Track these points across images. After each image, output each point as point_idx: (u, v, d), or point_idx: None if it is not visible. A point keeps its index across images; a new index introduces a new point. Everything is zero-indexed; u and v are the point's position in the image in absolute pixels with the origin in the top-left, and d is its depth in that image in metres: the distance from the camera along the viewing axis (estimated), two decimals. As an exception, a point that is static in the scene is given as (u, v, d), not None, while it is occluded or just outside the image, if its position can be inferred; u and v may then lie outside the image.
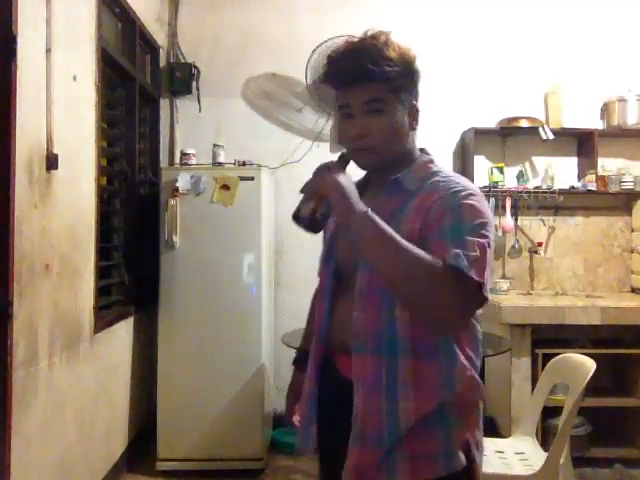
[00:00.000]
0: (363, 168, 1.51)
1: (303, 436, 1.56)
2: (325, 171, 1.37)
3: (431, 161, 1.50)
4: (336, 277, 1.53)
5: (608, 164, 4.13)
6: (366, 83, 1.39)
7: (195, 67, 4.13)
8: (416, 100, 1.47)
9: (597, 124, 4.16)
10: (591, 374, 2.28)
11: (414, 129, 1.48)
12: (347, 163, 1.43)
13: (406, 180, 1.44)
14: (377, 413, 1.37)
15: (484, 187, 4.06)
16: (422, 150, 1.53)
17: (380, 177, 1.49)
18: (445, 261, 1.27)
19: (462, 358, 1.39)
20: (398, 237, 1.30)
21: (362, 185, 1.51)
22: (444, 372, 1.38)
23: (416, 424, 1.35)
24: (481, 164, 4.15)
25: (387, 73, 1.38)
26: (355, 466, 1.38)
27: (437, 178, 1.43)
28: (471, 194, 1.36)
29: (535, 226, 4.22)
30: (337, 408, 1.46)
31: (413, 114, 1.46)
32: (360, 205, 1.32)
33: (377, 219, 1.31)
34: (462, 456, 1.37)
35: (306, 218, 1.35)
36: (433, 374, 1.37)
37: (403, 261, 1.29)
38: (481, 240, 1.30)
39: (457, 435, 1.38)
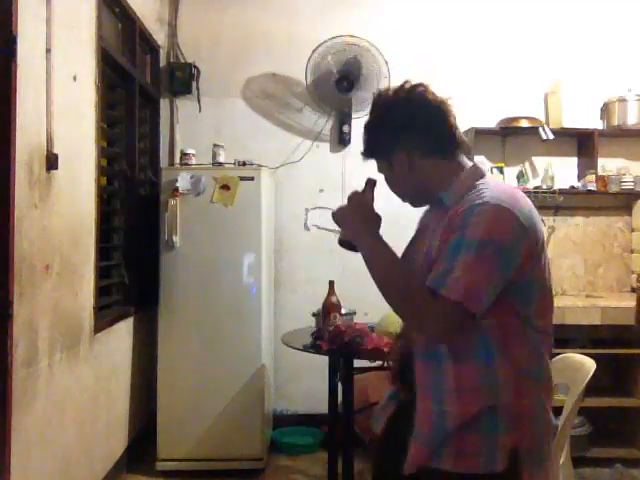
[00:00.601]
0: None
1: (378, 420, 1.71)
2: (348, 200, 1.56)
3: (476, 176, 1.54)
4: None
5: (608, 164, 4.13)
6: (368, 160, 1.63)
7: (195, 67, 4.13)
8: (416, 137, 1.54)
9: (597, 124, 4.16)
10: (591, 374, 2.27)
11: (434, 159, 1.55)
12: (374, 185, 1.57)
13: (445, 197, 1.54)
14: (428, 414, 1.49)
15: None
16: (475, 166, 1.58)
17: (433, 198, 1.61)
18: (427, 281, 1.42)
19: (507, 364, 1.45)
20: (392, 260, 1.49)
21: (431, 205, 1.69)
22: (485, 376, 1.45)
23: (463, 425, 1.44)
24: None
25: (366, 153, 1.61)
26: (412, 461, 1.49)
27: (474, 191, 1.49)
28: (486, 208, 1.42)
29: (535, 226, 4.21)
30: (409, 408, 1.55)
31: (412, 159, 1.54)
32: (362, 230, 1.52)
33: (375, 243, 1.50)
34: (503, 460, 1.42)
35: (346, 242, 1.55)
36: (473, 377, 1.45)
37: (390, 282, 1.47)
38: (473, 257, 1.39)
39: (504, 439, 1.43)
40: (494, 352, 1.45)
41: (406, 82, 1.56)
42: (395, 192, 1.62)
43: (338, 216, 1.57)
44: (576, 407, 2.30)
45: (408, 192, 1.61)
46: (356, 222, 1.53)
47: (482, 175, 1.55)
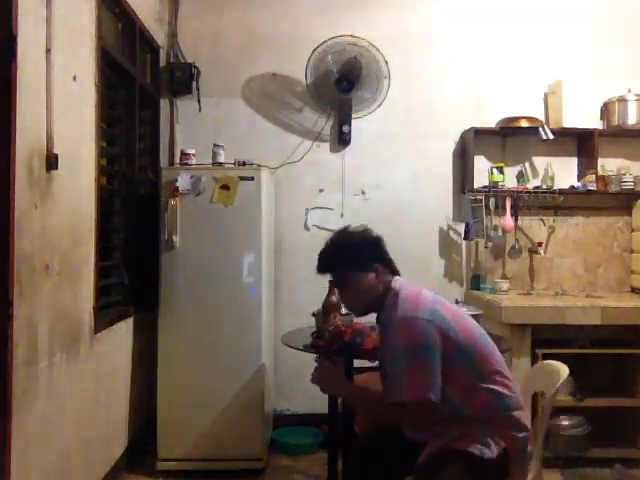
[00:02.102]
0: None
1: None
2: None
3: (396, 294, 2.07)
4: None
5: (608, 164, 4.14)
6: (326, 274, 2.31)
7: (195, 67, 4.13)
8: (363, 268, 2.15)
9: (597, 124, 4.16)
10: (562, 380, 2.24)
11: (375, 284, 2.13)
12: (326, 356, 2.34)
13: (382, 318, 2.14)
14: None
15: (484, 187, 4.07)
16: (397, 281, 2.13)
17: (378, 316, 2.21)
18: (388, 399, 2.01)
19: (478, 412, 2.01)
20: (363, 395, 2.17)
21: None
22: (465, 427, 2.02)
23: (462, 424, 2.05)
24: (481, 164, 4.15)
25: (330, 270, 2.27)
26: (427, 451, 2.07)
27: (394, 309, 2.03)
28: (399, 322, 1.98)
29: (535, 226, 4.22)
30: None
31: (357, 281, 2.14)
32: (336, 390, 2.36)
33: (348, 390, 2.26)
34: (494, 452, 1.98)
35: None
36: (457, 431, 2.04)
37: (372, 410, 2.20)
38: (408, 363, 1.94)
39: (496, 441, 2.02)
40: (465, 409, 2.00)
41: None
42: (345, 304, 2.34)
43: (319, 385, 2.24)
44: (548, 411, 2.29)
45: (352, 308, 2.31)
46: (331, 388, 2.30)
47: (396, 292, 2.07)
